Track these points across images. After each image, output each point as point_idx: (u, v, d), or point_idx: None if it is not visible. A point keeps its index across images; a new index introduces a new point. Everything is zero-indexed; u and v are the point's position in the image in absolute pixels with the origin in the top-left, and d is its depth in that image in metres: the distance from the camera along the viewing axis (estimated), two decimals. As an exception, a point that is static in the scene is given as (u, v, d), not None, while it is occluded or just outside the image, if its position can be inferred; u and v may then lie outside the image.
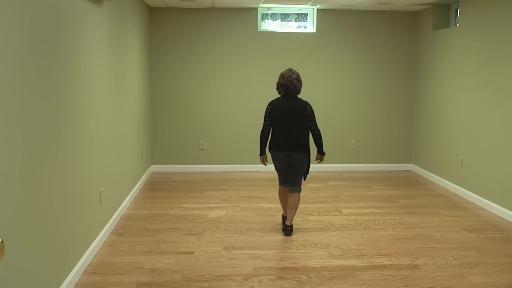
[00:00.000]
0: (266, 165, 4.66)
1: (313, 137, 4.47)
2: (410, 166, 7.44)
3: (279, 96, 4.49)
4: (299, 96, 4.57)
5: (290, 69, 4.43)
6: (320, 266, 3.76)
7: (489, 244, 4.27)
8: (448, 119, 6.25)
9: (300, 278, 3.55)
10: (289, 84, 4.36)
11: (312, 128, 4.42)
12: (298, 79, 4.40)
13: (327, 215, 5.08)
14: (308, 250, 4.10)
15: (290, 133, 4.37)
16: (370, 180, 6.74)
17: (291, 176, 4.47)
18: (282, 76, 4.41)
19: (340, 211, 5.22)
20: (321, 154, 4.55)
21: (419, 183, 6.62)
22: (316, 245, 4.22)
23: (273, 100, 4.48)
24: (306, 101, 4.41)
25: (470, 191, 5.71)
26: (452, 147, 6.15)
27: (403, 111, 7.38)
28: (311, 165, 4.86)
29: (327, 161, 7.27)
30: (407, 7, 6.77)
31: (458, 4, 6.14)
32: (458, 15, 6.19)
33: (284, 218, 4.69)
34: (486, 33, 5.36)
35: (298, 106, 4.37)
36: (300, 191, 4.48)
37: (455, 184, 6.07)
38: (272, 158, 4.50)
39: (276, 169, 4.58)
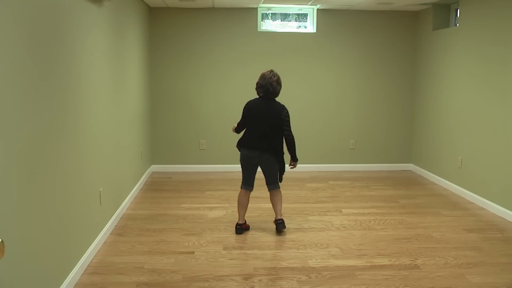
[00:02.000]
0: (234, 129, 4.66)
1: (286, 142, 4.44)
2: (410, 166, 7.44)
3: (258, 96, 4.50)
4: (277, 98, 4.54)
5: (271, 71, 4.44)
6: (320, 266, 3.76)
7: (489, 244, 4.27)
8: (448, 119, 6.25)
9: (300, 278, 3.55)
10: (268, 86, 4.37)
11: (285, 133, 4.40)
12: (278, 82, 4.40)
13: (327, 215, 5.08)
14: (308, 250, 4.10)
15: (263, 134, 4.37)
16: (370, 180, 6.74)
17: (267, 177, 4.49)
18: (262, 77, 4.41)
19: (340, 211, 5.22)
20: (294, 160, 4.54)
21: (419, 183, 6.62)
22: (316, 245, 4.22)
23: (251, 100, 4.52)
24: (283, 105, 4.42)
25: (470, 191, 5.71)
26: (452, 147, 6.15)
27: (403, 111, 7.38)
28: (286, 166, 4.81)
29: (327, 161, 7.28)
30: (407, 7, 6.77)
31: (458, 4, 6.14)
32: (458, 15, 6.19)
33: (275, 221, 4.55)
34: (486, 33, 5.36)
35: (274, 109, 4.38)
36: (279, 187, 4.51)
37: (455, 184, 6.07)
38: (241, 157, 4.48)
39: (241, 168, 4.53)
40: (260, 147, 4.37)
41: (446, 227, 4.72)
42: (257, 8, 6.98)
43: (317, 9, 7.04)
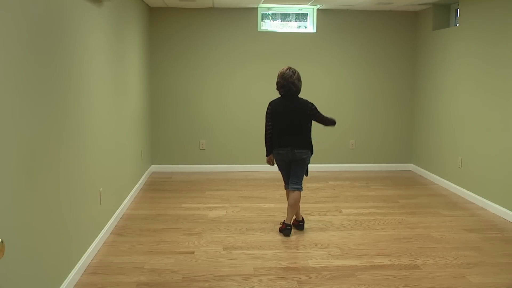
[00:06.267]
0: (273, 164, 4.61)
1: (323, 122, 4.41)
2: (410, 166, 7.44)
3: (279, 96, 4.47)
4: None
5: (289, 68, 4.39)
6: (320, 266, 3.76)
7: (489, 244, 4.27)
8: (448, 119, 6.25)
9: (300, 278, 3.55)
10: (290, 86, 4.34)
11: (320, 118, 4.39)
12: (299, 79, 4.38)
13: (327, 215, 5.08)
14: (308, 250, 4.10)
15: (291, 132, 4.36)
16: (370, 180, 6.74)
17: (293, 175, 4.44)
18: (282, 76, 4.36)
19: (340, 211, 5.22)
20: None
21: (419, 183, 6.62)
22: (316, 245, 4.22)
23: (273, 101, 4.46)
24: (306, 100, 4.41)
25: (470, 191, 5.71)
26: (452, 147, 6.15)
27: (403, 111, 7.39)
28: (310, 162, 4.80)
29: (327, 161, 7.28)
30: (407, 7, 6.77)
31: (458, 4, 6.14)
32: (458, 15, 6.19)
33: (294, 221, 4.65)
34: (486, 33, 5.36)
35: (299, 106, 4.37)
36: (301, 190, 4.45)
37: (455, 184, 6.07)
38: (275, 156, 4.48)
39: (279, 169, 4.55)
40: (291, 143, 4.35)
41: (446, 227, 4.71)
42: (257, 8, 6.98)
43: (317, 9, 7.04)
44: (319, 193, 6.00)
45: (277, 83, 4.41)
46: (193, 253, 4.01)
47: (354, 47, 7.18)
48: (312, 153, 4.47)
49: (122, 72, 5.06)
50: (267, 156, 4.55)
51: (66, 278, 3.26)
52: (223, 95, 7.12)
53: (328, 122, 4.45)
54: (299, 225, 4.59)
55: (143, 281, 3.47)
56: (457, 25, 6.08)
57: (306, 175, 4.59)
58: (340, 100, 7.25)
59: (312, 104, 4.41)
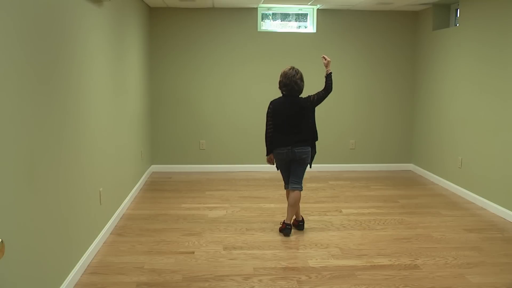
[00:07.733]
0: (273, 164, 4.59)
1: (328, 92, 4.35)
2: (410, 166, 7.44)
3: (281, 95, 4.47)
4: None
5: (292, 68, 4.40)
6: (320, 266, 3.76)
7: (489, 244, 4.27)
8: (448, 119, 6.25)
9: (300, 278, 3.55)
10: (293, 85, 4.34)
11: (323, 96, 4.34)
12: (302, 79, 4.39)
13: (327, 215, 5.08)
14: (308, 250, 4.10)
15: (292, 131, 4.36)
16: (370, 180, 6.74)
17: (293, 174, 4.44)
18: (285, 75, 4.37)
19: (340, 211, 5.22)
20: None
21: (419, 183, 6.62)
22: (316, 245, 4.22)
23: (274, 100, 4.46)
24: (305, 98, 4.40)
25: (470, 191, 5.70)
26: (452, 147, 6.15)
27: (403, 111, 7.38)
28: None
29: (327, 161, 7.27)
30: (407, 7, 6.77)
31: (458, 4, 6.15)
32: (458, 15, 6.19)
33: (294, 221, 4.65)
34: (486, 33, 5.36)
35: (300, 106, 4.37)
36: (301, 189, 4.45)
37: (455, 184, 6.07)
38: (275, 156, 4.48)
39: (279, 168, 4.55)
40: (292, 142, 4.34)
41: (446, 227, 4.71)
42: (257, 8, 6.98)
43: (317, 9, 7.04)
44: (319, 193, 6.00)
45: (280, 82, 4.42)
46: (193, 253, 4.01)
47: (354, 47, 7.18)
48: (314, 148, 4.44)
49: (122, 72, 5.06)
50: (267, 155, 4.55)
51: (66, 278, 3.26)
52: (223, 95, 7.12)
53: (328, 89, 4.38)
54: (299, 225, 4.59)
55: (143, 281, 3.47)
56: (457, 25, 6.08)
57: (310, 167, 4.58)
58: (340, 100, 7.25)
59: (308, 96, 4.39)
